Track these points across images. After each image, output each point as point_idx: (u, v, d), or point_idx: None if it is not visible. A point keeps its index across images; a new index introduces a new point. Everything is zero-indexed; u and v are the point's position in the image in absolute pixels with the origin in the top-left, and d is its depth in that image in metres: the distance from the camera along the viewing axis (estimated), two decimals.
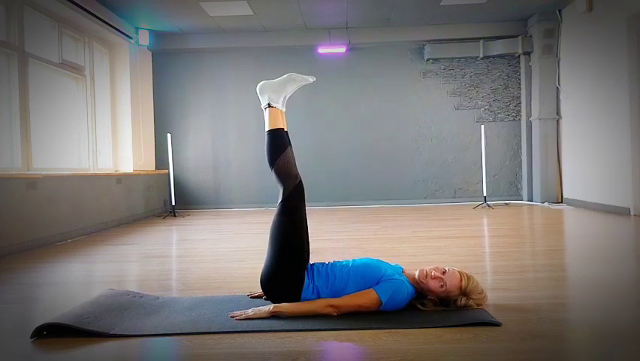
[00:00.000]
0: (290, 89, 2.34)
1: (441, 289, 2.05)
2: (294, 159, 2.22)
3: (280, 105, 2.28)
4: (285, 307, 2.04)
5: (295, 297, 2.09)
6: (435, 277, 2.05)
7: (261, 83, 2.33)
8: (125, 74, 6.85)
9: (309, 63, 7.66)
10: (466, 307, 2.05)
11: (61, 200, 4.78)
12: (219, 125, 7.88)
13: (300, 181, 2.19)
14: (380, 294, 2.02)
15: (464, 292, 2.05)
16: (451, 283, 2.04)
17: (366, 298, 2.03)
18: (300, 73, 2.42)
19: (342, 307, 2.02)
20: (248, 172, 7.80)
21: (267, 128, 2.24)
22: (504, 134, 7.79)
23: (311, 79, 2.40)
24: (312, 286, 2.10)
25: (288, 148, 2.22)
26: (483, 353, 1.65)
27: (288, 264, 2.10)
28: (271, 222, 2.18)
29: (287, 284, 2.10)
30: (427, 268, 2.11)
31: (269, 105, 2.27)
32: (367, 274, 2.10)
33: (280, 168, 2.17)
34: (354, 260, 2.21)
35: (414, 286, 2.11)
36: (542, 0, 6.61)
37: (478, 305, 2.07)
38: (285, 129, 2.27)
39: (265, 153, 2.23)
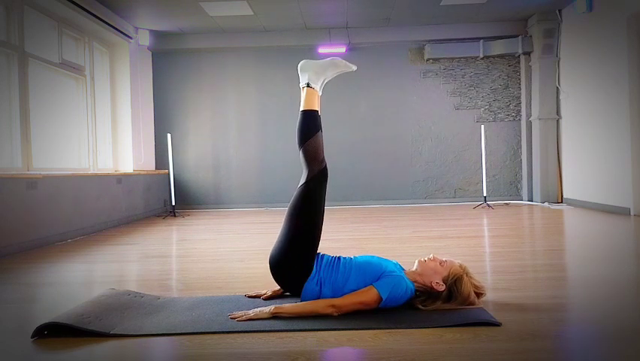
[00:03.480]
0: (330, 74, 2.32)
1: (442, 267, 2.10)
2: (323, 144, 2.21)
3: (318, 87, 2.27)
4: (285, 308, 2.04)
5: (299, 282, 2.10)
6: (434, 259, 2.14)
7: (303, 61, 2.31)
8: (125, 74, 6.85)
9: None
10: (467, 302, 2.07)
11: (61, 200, 4.78)
12: (219, 125, 7.88)
13: (326, 166, 2.19)
14: (380, 290, 2.02)
15: (465, 272, 2.10)
16: (451, 262, 2.13)
17: (367, 295, 2.03)
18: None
19: (343, 306, 2.03)
20: (248, 172, 7.80)
21: (302, 108, 2.23)
22: (504, 134, 7.79)
23: (354, 67, 2.38)
24: (317, 277, 2.11)
25: (320, 132, 2.20)
26: (483, 353, 1.65)
27: (300, 246, 2.11)
28: (289, 203, 2.19)
29: (295, 267, 2.10)
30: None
31: (307, 85, 2.25)
32: (368, 271, 2.11)
33: (309, 149, 2.16)
34: (355, 257, 2.22)
35: (414, 284, 2.12)
36: (542, 0, 6.61)
37: (479, 293, 2.13)
38: (320, 112, 2.25)
39: (296, 131, 2.21)
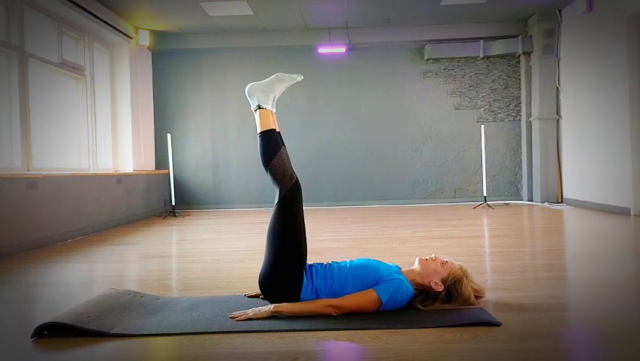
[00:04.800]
0: (278, 89, 2.34)
1: (442, 268, 2.11)
2: (289, 159, 2.21)
3: (270, 106, 2.28)
4: (285, 307, 2.04)
5: (294, 297, 2.09)
6: (435, 259, 2.15)
7: (249, 85, 2.31)
8: (125, 74, 6.85)
9: (309, 63, 7.67)
10: (466, 304, 2.07)
11: (61, 200, 4.78)
12: (219, 125, 7.88)
13: (297, 181, 2.18)
14: (380, 294, 2.02)
15: (465, 274, 2.11)
16: (452, 263, 2.14)
17: (367, 298, 2.03)
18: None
19: (343, 307, 2.03)
20: (248, 172, 7.80)
21: (258, 130, 2.24)
22: (504, 134, 7.79)
23: (299, 78, 2.39)
24: (311, 286, 2.10)
25: (282, 148, 2.21)
26: (483, 353, 1.65)
27: (287, 264, 2.10)
28: (268, 223, 2.18)
29: (285, 285, 2.09)
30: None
31: (259, 107, 2.26)
32: (366, 275, 2.10)
33: (275, 168, 2.16)
34: (352, 261, 2.22)
35: (412, 285, 2.12)
36: (542, 0, 6.61)
37: (478, 296, 2.13)
38: (277, 130, 2.26)
39: (259, 155, 2.22)
